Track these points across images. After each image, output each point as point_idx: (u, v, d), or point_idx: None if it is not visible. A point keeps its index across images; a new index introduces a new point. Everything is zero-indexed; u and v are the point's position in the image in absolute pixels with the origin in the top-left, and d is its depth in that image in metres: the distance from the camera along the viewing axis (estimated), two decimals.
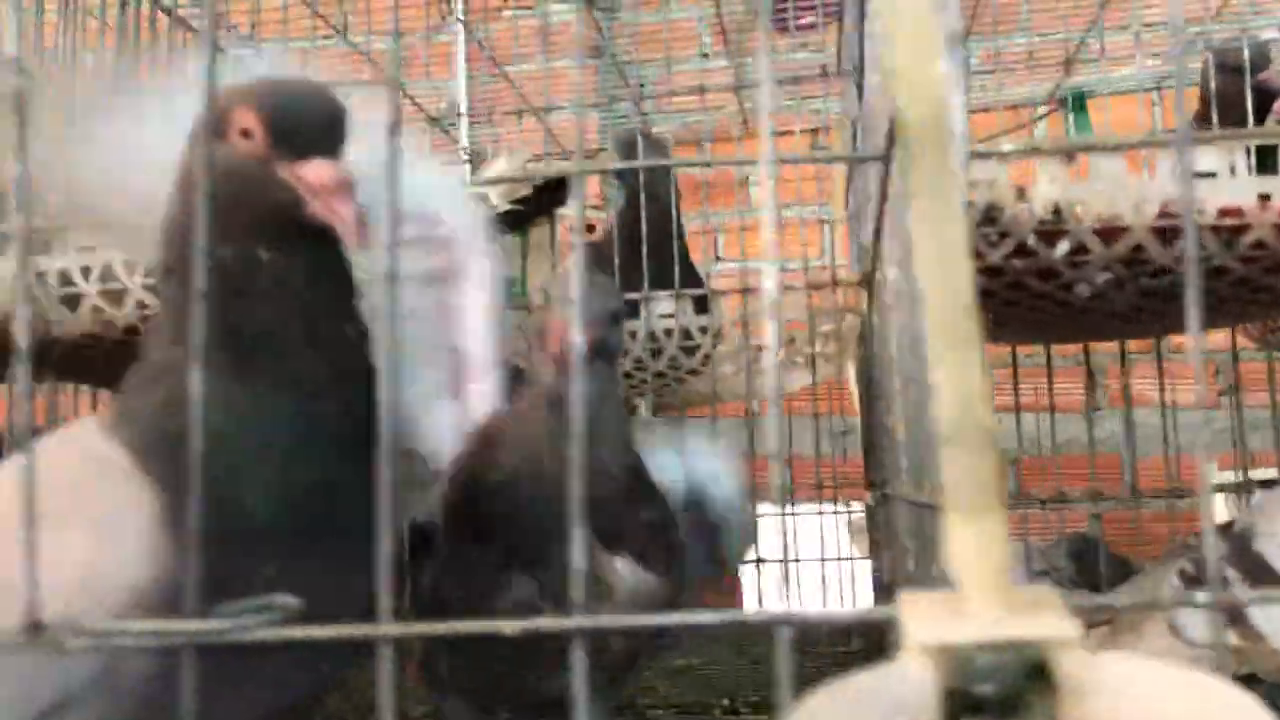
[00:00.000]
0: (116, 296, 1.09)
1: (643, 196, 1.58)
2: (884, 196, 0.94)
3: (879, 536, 1.76)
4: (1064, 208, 0.86)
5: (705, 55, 2.45)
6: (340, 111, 0.64)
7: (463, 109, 2.02)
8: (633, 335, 1.51)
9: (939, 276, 0.32)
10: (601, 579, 0.75)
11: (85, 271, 1.09)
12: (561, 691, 0.79)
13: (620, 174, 1.60)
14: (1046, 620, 0.32)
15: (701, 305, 1.60)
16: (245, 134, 0.63)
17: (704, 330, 1.51)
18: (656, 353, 1.54)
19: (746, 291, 1.46)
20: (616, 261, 1.52)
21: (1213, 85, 1.50)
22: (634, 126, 1.81)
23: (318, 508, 0.57)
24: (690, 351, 1.54)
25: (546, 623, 0.45)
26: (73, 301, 1.10)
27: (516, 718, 0.86)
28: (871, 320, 1.37)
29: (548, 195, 1.44)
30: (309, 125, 0.63)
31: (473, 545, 0.77)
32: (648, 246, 1.57)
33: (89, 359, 1.17)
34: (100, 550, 0.54)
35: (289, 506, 0.54)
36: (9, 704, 0.59)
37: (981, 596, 0.32)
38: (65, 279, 1.09)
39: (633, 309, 1.55)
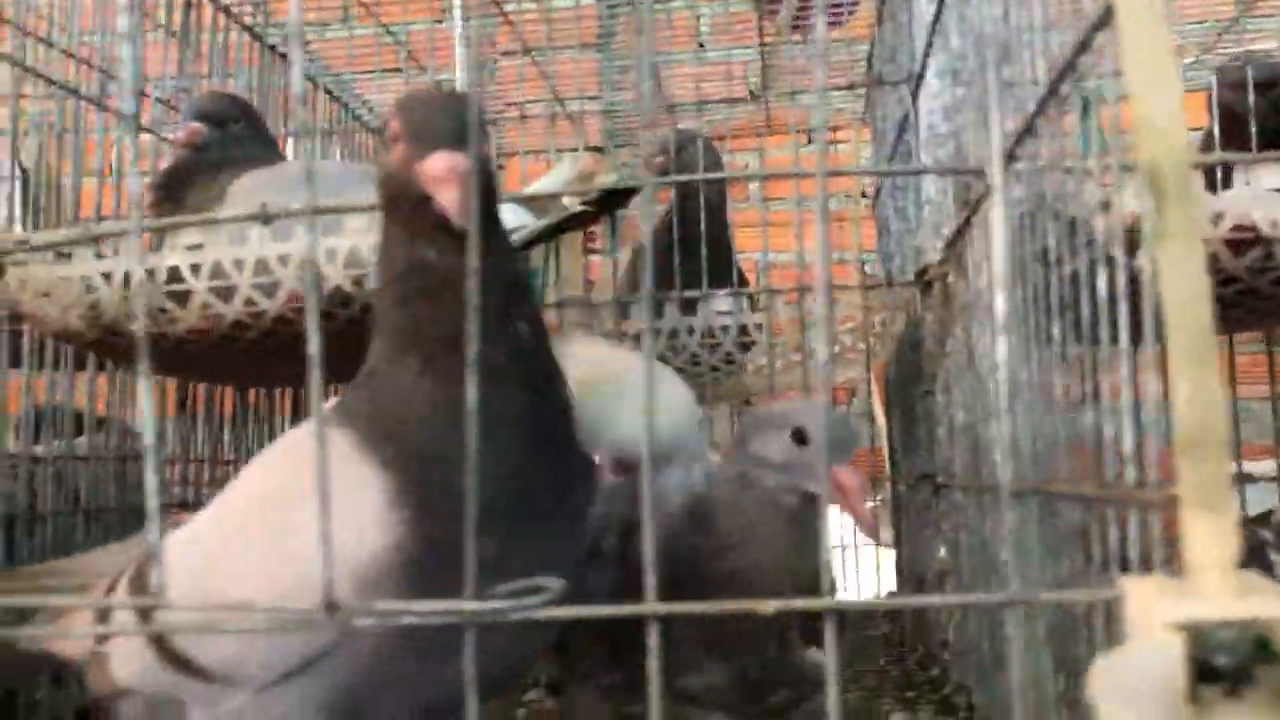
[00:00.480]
0: (225, 293, 1.13)
1: (702, 198, 1.63)
2: (973, 210, 0.99)
3: (906, 525, 1.83)
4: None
5: (702, 45, 2.49)
6: (463, 108, 0.68)
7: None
8: (690, 331, 1.57)
9: (1182, 304, 0.37)
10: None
11: (195, 269, 1.14)
12: (696, 690, 0.84)
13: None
14: (1269, 602, 0.38)
15: (753, 302, 1.66)
16: (395, 140, 0.68)
17: (759, 327, 1.57)
18: (713, 348, 1.59)
19: (803, 290, 1.51)
20: (675, 260, 1.58)
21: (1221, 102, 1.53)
22: (688, 128, 1.86)
23: (517, 493, 0.62)
24: (746, 347, 1.60)
25: (802, 603, 0.50)
26: (182, 298, 1.14)
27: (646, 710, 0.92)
28: (924, 319, 1.42)
29: (613, 198, 1.49)
30: (433, 122, 0.66)
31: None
32: (698, 245, 1.63)
33: (193, 354, 1.21)
34: (339, 527, 0.58)
35: (497, 492, 0.59)
36: (264, 663, 0.65)
37: (1215, 581, 0.38)
38: (175, 276, 1.14)
39: (689, 306, 1.61)
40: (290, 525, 0.64)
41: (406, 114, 0.67)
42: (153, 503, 0.77)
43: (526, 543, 0.63)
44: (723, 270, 1.67)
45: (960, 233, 1.16)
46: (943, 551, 1.36)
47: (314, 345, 0.51)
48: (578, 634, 0.84)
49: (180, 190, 1.29)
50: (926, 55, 1.34)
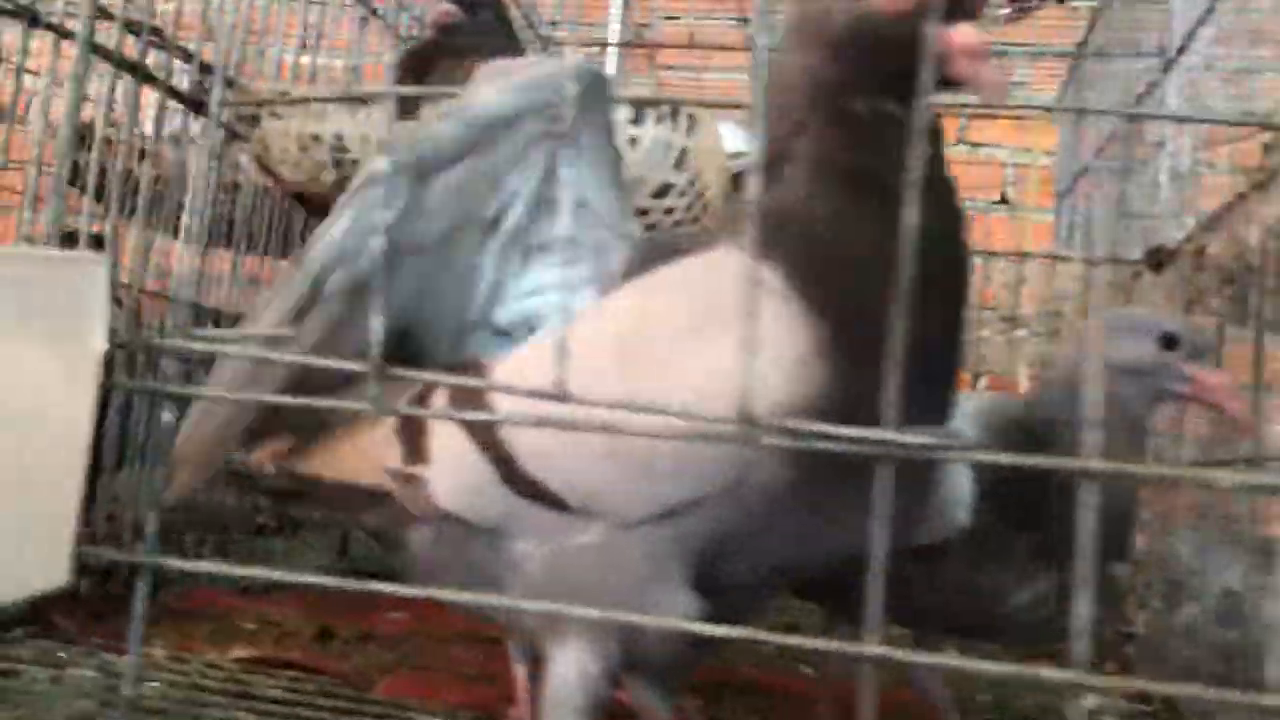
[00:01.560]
0: None
1: None
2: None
3: None
4: None
5: None
6: None
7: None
8: None
9: None
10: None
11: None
12: (1022, 604, 0.82)
13: None
14: None
15: None
16: None
17: None
18: None
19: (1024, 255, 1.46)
20: None
21: None
22: None
23: (922, 353, 0.58)
24: None
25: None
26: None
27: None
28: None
29: None
30: None
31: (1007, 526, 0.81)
32: None
33: None
34: (762, 364, 0.56)
35: (912, 346, 0.56)
36: (639, 495, 0.62)
37: None
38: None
39: None
40: (708, 346, 0.61)
41: None
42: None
43: (931, 400, 0.60)
44: None
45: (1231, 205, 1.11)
46: None
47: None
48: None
49: (424, 70, 1.28)
50: (1200, 23, 1.29)
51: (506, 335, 0.75)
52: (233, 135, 1.27)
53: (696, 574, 0.63)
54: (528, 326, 0.75)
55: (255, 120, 1.18)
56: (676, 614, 0.62)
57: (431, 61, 1.29)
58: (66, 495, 0.53)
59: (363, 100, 1.17)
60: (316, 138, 1.15)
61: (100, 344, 0.54)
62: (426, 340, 0.75)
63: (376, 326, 0.53)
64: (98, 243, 1.14)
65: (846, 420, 0.55)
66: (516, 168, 0.74)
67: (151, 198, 1.11)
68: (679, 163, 1.13)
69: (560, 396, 0.53)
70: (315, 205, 1.23)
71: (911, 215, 0.52)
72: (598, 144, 0.75)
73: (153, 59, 1.14)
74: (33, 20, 0.94)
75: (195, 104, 1.20)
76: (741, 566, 0.64)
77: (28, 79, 1.09)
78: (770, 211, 0.61)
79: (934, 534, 0.78)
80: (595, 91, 0.74)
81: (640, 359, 0.64)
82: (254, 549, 1.43)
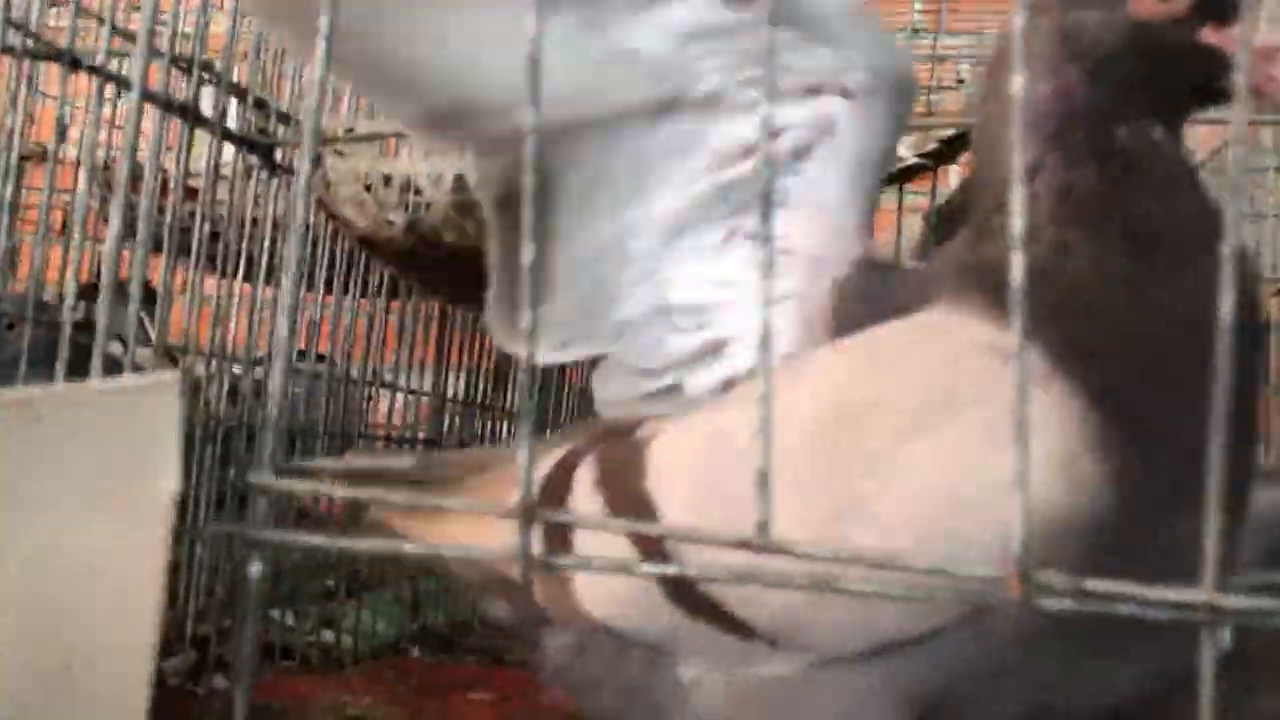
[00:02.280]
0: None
1: None
2: None
3: None
4: None
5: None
6: None
7: None
8: None
9: None
10: None
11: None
12: None
13: None
14: None
15: None
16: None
17: None
18: None
19: None
20: None
21: None
22: None
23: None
24: None
25: None
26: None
27: None
28: None
29: (949, 151, 1.33)
30: None
31: None
32: None
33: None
34: (1003, 451, 0.43)
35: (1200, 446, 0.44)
36: (866, 623, 0.49)
37: None
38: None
39: None
40: (933, 449, 0.48)
41: None
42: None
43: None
44: None
45: None
46: None
47: None
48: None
49: None
50: None
51: (666, 318, 0.64)
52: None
53: None
54: (701, 316, 0.63)
55: (319, 160, 1.07)
56: None
57: None
58: (135, 675, 0.43)
59: None
60: (387, 179, 1.05)
61: (172, 484, 0.44)
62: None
63: (525, 457, 0.41)
64: (149, 295, 1.04)
65: (1130, 536, 0.43)
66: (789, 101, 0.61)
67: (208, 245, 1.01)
68: None
69: (762, 546, 0.42)
70: (383, 251, 1.12)
71: (1228, 287, 0.40)
72: (869, 135, 0.63)
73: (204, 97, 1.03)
74: (74, 63, 0.84)
75: (249, 144, 1.09)
76: (981, 713, 0.52)
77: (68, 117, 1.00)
78: (993, 266, 0.49)
79: None
80: (888, 71, 0.63)
81: (854, 450, 0.51)
82: (322, 613, 1.32)
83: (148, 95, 0.79)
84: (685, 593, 0.52)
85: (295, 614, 1.23)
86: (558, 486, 0.59)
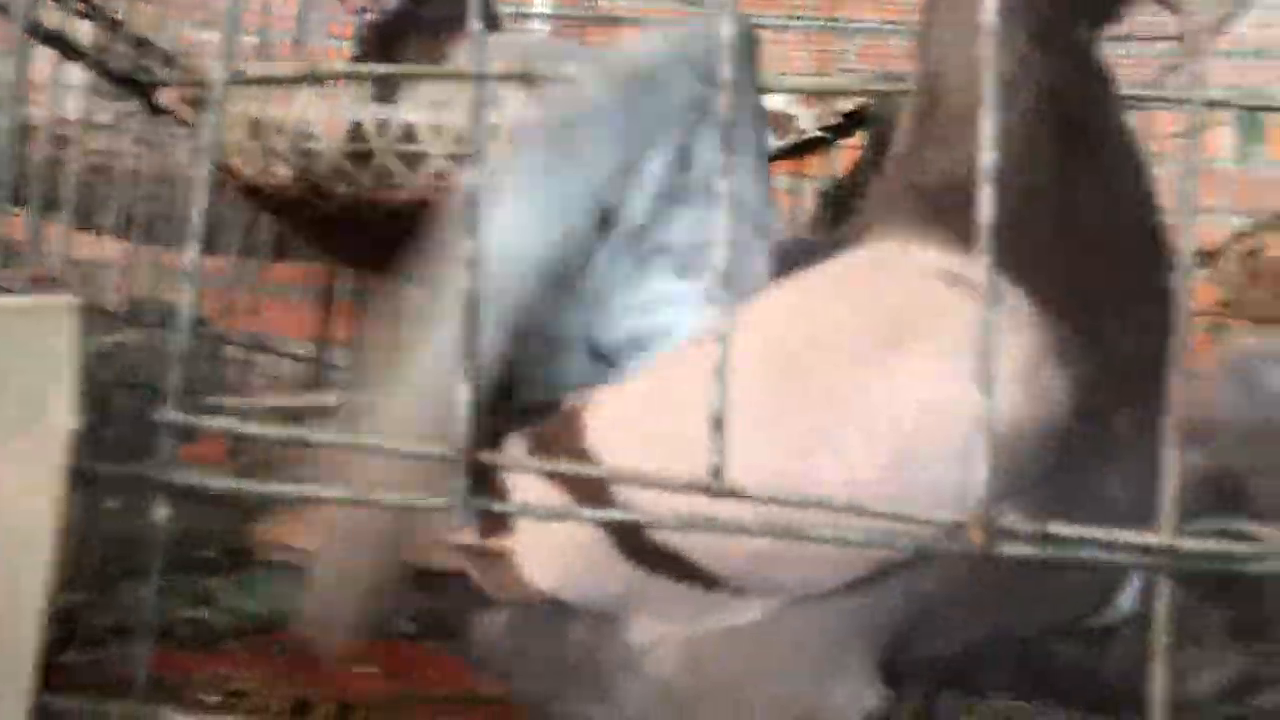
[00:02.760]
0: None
1: None
2: None
3: None
4: None
5: None
6: None
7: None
8: None
9: None
10: None
11: (436, 130, 0.97)
12: (1201, 692, 0.69)
13: None
14: None
15: None
16: None
17: None
18: None
19: None
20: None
21: None
22: None
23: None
24: None
25: None
26: (413, 161, 0.98)
27: None
28: None
29: (849, 123, 1.33)
30: None
31: None
32: None
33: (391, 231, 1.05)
34: (962, 379, 0.41)
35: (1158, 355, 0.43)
36: (846, 554, 0.45)
37: None
38: (409, 135, 0.97)
39: None
40: (890, 380, 0.47)
41: None
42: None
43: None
44: None
45: None
46: None
47: None
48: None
49: (396, 44, 1.13)
50: None
51: (605, 360, 0.59)
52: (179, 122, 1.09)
53: (880, 660, 0.49)
54: (637, 349, 0.59)
55: (202, 104, 1.01)
56: (859, 713, 0.48)
57: (401, 37, 1.14)
58: (23, 634, 0.38)
59: (329, 79, 1.01)
60: (278, 126, 0.99)
61: (68, 420, 0.39)
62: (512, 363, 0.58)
63: (464, 398, 0.38)
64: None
65: (1097, 451, 0.43)
66: (651, 144, 0.58)
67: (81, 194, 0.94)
68: None
69: (717, 490, 0.39)
70: (268, 201, 1.07)
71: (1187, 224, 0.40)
72: (742, 118, 0.59)
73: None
74: None
75: (131, 83, 1.02)
76: (933, 644, 0.51)
77: None
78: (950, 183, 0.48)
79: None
80: (747, 52, 0.59)
81: (810, 387, 0.49)
82: (195, 589, 1.26)
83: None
84: (642, 547, 0.49)
85: (168, 588, 1.17)
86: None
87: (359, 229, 1.04)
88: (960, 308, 0.46)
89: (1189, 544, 0.37)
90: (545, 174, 0.54)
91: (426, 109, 0.98)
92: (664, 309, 0.59)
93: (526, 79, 0.93)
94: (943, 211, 0.50)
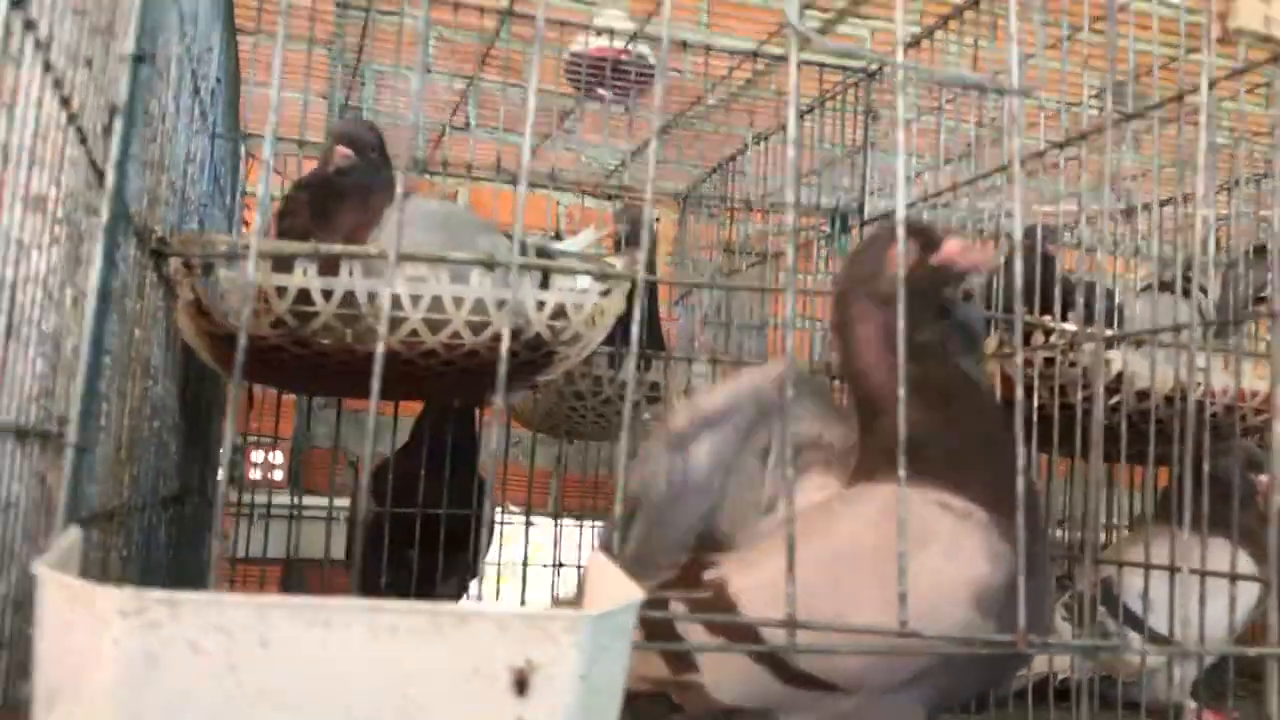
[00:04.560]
0: (436, 325, 1.22)
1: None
2: None
3: None
4: None
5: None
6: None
7: None
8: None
9: None
10: None
11: (415, 300, 1.21)
12: None
13: (630, 243, 1.89)
14: None
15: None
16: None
17: None
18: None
19: None
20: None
21: None
22: (633, 204, 2.08)
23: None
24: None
25: None
26: (392, 324, 1.21)
27: None
28: None
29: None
30: (930, 233, 1.00)
31: None
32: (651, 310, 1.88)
33: (353, 372, 1.27)
34: (958, 563, 0.81)
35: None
36: (890, 675, 0.84)
37: None
38: (393, 304, 1.20)
39: (647, 365, 1.85)
40: (921, 566, 0.81)
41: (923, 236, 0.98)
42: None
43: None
44: (656, 333, 1.94)
45: None
46: None
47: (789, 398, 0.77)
48: None
49: (329, 207, 1.33)
50: None
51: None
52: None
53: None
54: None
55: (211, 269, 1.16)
56: None
57: (335, 202, 1.33)
58: None
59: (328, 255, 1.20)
60: (280, 291, 1.18)
61: None
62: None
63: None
64: None
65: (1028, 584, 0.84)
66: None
67: None
68: None
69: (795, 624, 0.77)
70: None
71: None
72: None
73: None
74: None
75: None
76: (953, 702, 0.92)
77: None
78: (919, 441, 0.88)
79: None
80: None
81: (881, 570, 0.87)
82: None
83: None
84: (791, 674, 0.87)
85: None
86: None
87: (329, 368, 1.26)
88: (948, 522, 0.87)
89: (1042, 643, 0.79)
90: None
91: (409, 282, 1.22)
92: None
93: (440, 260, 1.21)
94: (922, 463, 0.91)
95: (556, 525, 2.27)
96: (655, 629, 0.89)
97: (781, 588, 0.86)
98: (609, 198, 2.32)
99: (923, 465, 0.84)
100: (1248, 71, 1.06)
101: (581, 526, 2.32)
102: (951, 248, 0.95)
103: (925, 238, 0.97)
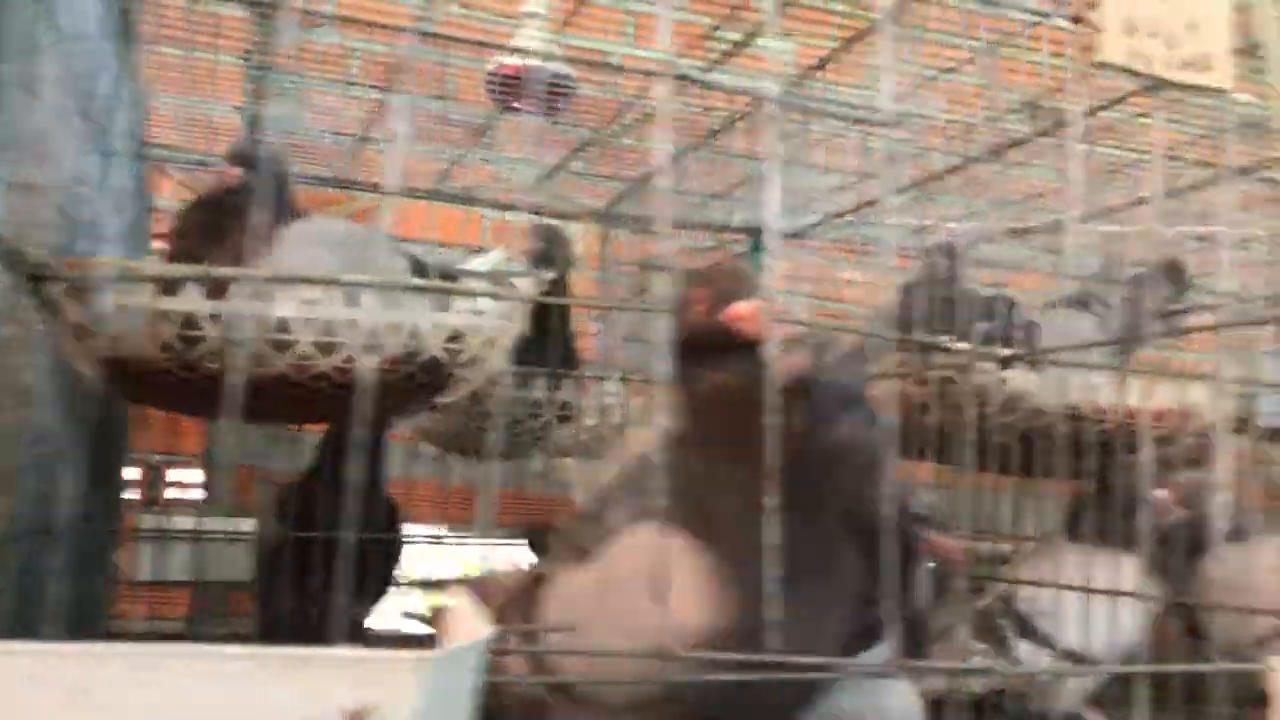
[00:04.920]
0: (326, 348, 1.21)
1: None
2: None
3: None
4: None
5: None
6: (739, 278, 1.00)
7: None
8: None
9: None
10: None
11: (307, 322, 1.20)
12: None
13: (544, 264, 1.89)
14: None
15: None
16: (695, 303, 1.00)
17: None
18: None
19: None
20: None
21: None
22: (548, 223, 2.07)
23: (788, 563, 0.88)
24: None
25: None
26: (280, 346, 1.19)
27: None
28: None
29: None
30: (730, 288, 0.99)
31: None
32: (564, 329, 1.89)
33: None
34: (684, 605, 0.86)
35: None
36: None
37: None
38: (282, 327, 1.19)
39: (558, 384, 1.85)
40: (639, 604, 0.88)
41: (711, 286, 0.98)
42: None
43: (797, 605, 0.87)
44: (572, 353, 1.93)
45: None
46: None
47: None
48: None
49: (222, 228, 1.31)
50: None
51: None
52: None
53: None
54: None
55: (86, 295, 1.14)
56: None
57: (226, 220, 1.31)
58: None
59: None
60: (166, 315, 1.16)
61: None
62: None
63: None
64: None
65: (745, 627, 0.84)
66: None
67: None
68: None
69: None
70: (127, 370, 1.21)
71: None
72: None
73: None
74: None
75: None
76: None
77: None
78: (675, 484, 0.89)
79: None
80: None
81: (633, 601, 0.91)
82: None
83: None
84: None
85: None
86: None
87: (215, 391, 1.24)
88: (686, 563, 0.89)
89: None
90: None
91: (301, 305, 1.20)
92: None
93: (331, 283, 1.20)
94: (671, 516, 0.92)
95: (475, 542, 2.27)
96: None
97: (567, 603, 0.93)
98: (536, 213, 2.32)
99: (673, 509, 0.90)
100: (1121, 101, 1.08)
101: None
102: (737, 310, 0.94)
103: (722, 290, 0.97)
